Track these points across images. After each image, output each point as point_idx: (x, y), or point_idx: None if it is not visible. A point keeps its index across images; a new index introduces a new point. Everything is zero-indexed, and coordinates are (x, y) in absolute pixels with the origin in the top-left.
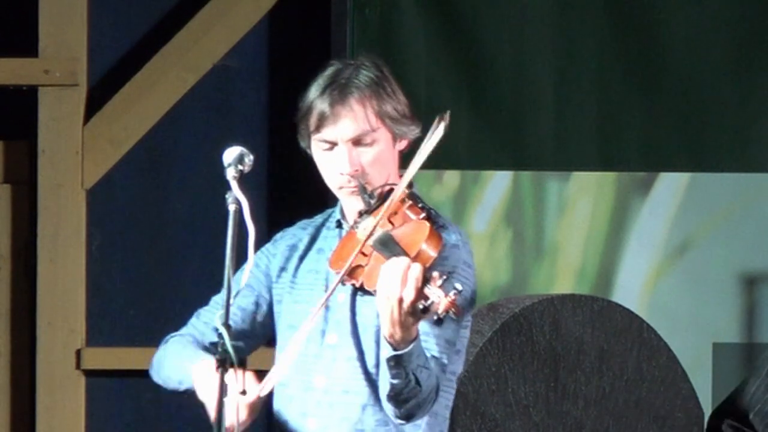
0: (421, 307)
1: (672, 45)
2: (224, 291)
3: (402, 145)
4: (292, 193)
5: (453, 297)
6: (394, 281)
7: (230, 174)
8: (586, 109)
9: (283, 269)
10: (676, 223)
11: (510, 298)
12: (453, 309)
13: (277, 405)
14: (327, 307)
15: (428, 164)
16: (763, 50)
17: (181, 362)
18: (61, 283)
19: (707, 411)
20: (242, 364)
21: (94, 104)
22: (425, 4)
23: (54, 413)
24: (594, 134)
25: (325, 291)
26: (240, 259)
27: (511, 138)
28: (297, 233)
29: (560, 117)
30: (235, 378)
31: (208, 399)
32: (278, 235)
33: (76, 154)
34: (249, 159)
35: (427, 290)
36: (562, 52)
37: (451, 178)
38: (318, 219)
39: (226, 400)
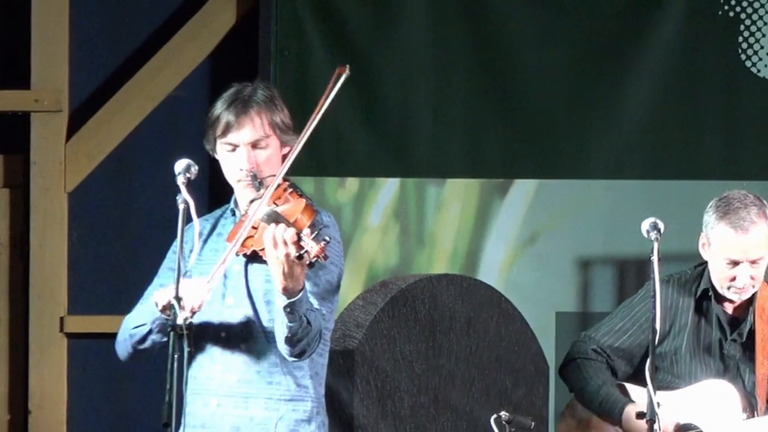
0: (298, 254)
1: (524, 78)
2: (174, 270)
3: (285, 150)
4: (227, 195)
5: (323, 244)
6: (277, 241)
7: (180, 180)
8: (456, 129)
9: (191, 251)
10: (526, 219)
11: (398, 276)
12: (322, 254)
13: (197, 357)
14: (225, 276)
15: (334, 172)
16: (594, 84)
17: (141, 311)
18: (48, 265)
19: (552, 366)
20: None
21: (74, 126)
22: (332, 49)
23: (42, 368)
24: (463, 149)
25: (222, 263)
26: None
27: (399, 152)
28: (202, 223)
29: (437, 136)
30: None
31: (162, 299)
32: (195, 226)
33: (60, 164)
34: (194, 169)
35: (302, 243)
36: (439, 85)
37: (352, 183)
38: (218, 212)
39: (177, 356)
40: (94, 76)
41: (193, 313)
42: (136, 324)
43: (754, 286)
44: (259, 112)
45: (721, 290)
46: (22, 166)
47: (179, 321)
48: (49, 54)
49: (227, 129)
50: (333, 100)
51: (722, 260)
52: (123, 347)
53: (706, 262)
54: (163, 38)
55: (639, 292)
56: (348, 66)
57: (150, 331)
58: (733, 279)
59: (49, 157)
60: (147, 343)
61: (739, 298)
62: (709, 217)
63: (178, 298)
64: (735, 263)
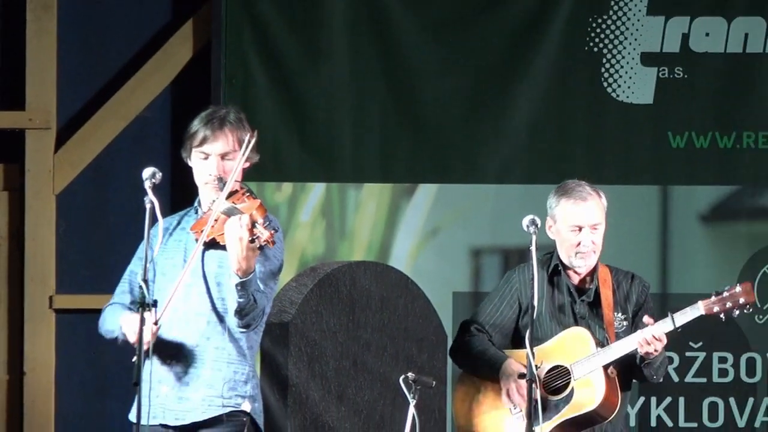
0: (251, 238)
1: (427, 101)
2: (142, 260)
3: (247, 165)
4: (186, 196)
5: (272, 232)
6: (235, 227)
7: (147, 184)
8: (372, 143)
9: (160, 243)
10: (429, 217)
11: (324, 263)
12: (271, 239)
13: (161, 329)
14: (185, 260)
15: (272, 178)
16: (484, 106)
17: (114, 320)
18: (40, 254)
19: (449, 335)
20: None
21: (61, 140)
22: (271, 78)
23: (35, 337)
24: (377, 159)
25: (184, 253)
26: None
27: (325, 162)
28: (170, 220)
29: (355, 149)
30: (150, 317)
31: (129, 332)
32: (157, 223)
33: (49, 172)
34: (159, 175)
35: (255, 230)
36: (357, 107)
37: (287, 187)
38: (182, 212)
39: (144, 328)
40: (78, 100)
41: (148, 345)
42: (109, 328)
43: (595, 252)
44: (231, 130)
45: (569, 260)
46: (19, 173)
47: (148, 300)
48: (40, 81)
49: (203, 141)
50: (272, 120)
51: (567, 230)
52: (101, 333)
53: (552, 250)
54: (134, 69)
55: (502, 279)
56: (255, 132)
57: (117, 338)
58: (578, 245)
59: (41, 166)
60: (116, 342)
61: (584, 264)
62: (552, 200)
63: (146, 281)
64: (579, 228)
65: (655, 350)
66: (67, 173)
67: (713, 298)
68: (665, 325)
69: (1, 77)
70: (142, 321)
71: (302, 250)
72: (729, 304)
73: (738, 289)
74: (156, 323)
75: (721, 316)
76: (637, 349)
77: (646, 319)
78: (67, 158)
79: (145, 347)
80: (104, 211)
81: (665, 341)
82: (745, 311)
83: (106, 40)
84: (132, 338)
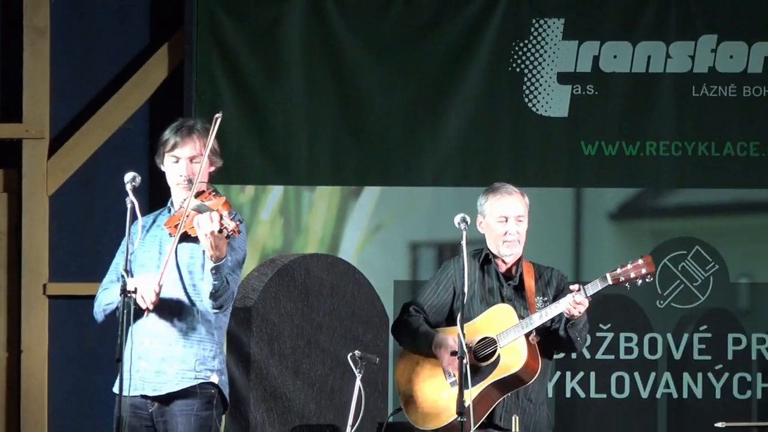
0: (220, 229)
1: (372, 114)
2: (124, 253)
3: (212, 169)
4: (162, 197)
5: (237, 223)
6: (207, 222)
7: (128, 187)
8: (324, 151)
9: (139, 239)
10: (373, 215)
11: (282, 255)
12: (237, 229)
13: (138, 314)
14: (160, 252)
15: (237, 181)
16: (421, 118)
17: (112, 294)
18: (35, 248)
19: (390, 318)
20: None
21: (54, 148)
22: (235, 94)
23: (31, 320)
24: (328, 165)
25: (159, 246)
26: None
27: (283, 168)
28: (146, 219)
29: (309, 156)
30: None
31: (139, 290)
32: (137, 221)
33: (43, 176)
34: (138, 178)
35: (223, 221)
36: (311, 119)
37: (250, 189)
38: (157, 211)
39: (126, 311)
40: (68, 114)
41: (153, 305)
42: (108, 302)
43: (519, 242)
44: (198, 137)
45: (498, 248)
46: (17, 177)
47: (129, 288)
48: (35, 97)
49: (174, 146)
50: (236, 131)
51: (495, 221)
52: (98, 316)
53: (482, 246)
54: (117, 86)
55: (440, 268)
56: (221, 113)
57: (117, 308)
58: (505, 233)
59: (36, 171)
60: (115, 313)
61: (510, 252)
62: (482, 200)
63: (128, 271)
64: (506, 219)
65: (579, 312)
66: (59, 177)
67: (619, 270)
68: (579, 295)
69: (1, 94)
70: (124, 305)
71: (263, 244)
72: (633, 275)
73: (640, 261)
74: (159, 284)
75: (627, 285)
76: (554, 319)
77: (572, 287)
78: (59, 164)
79: (151, 306)
80: (91, 210)
81: (587, 305)
82: (647, 281)
83: (93, 62)
84: (139, 300)
